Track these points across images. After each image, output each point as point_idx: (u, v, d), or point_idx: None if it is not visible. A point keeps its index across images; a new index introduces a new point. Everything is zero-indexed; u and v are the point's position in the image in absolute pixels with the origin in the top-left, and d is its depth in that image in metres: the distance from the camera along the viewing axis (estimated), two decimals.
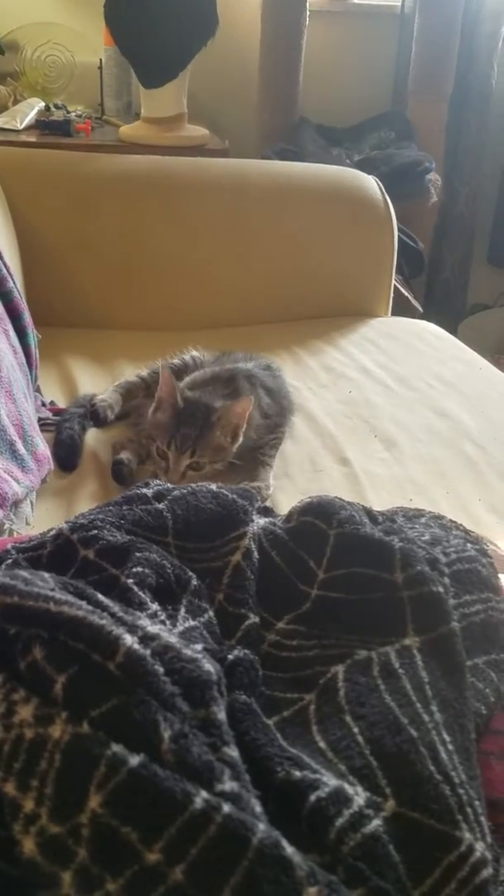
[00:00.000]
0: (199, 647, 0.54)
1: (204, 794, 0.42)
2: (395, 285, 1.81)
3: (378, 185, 1.76)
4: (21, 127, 2.14)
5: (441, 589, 0.61)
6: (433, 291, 2.74)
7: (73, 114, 2.28)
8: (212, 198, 1.68)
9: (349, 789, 0.48)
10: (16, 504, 0.94)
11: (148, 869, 0.40)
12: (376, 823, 0.46)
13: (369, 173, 1.81)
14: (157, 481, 0.77)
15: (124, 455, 1.14)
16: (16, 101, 2.31)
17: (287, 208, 1.70)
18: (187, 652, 0.51)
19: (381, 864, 0.45)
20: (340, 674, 0.57)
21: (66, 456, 1.16)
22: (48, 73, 2.42)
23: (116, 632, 0.48)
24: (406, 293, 2.12)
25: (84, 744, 0.44)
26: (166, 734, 0.45)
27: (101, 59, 2.37)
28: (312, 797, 0.46)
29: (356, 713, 0.53)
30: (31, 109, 2.22)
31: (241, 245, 1.68)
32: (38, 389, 1.29)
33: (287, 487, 1.13)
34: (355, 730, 0.52)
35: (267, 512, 0.77)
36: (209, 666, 0.50)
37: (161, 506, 0.70)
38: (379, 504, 0.92)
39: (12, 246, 1.46)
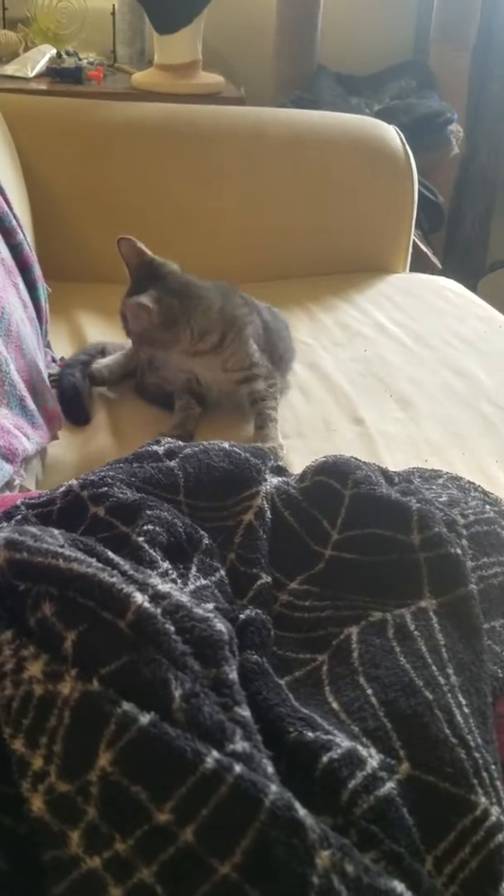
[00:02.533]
0: (210, 606, 0.53)
1: (215, 753, 0.41)
2: (413, 240, 1.77)
3: (399, 135, 1.71)
4: (32, 75, 2.10)
5: (459, 551, 0.59)
6: (453, 247, 2.68)
7: (85, 61, 2.23)
8: (226, 147, 1.64)
9: (362, 751, 0.47)
10: (26, 460, 0.93)
11: (158, 829, 0.40)
12: (390, 786, 0.46)
13: (390, 123, 1.76)
14: (168, 439, 0.76)
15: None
16: (27, 48, 2.26)
17: (304, 158, 1.66)
18: (199, 611, 0.50)
19: (395, 828, 0.44)
20: (354, 635, 0.56)
21: (72, 408, 1.14)
22: (60, 20, 2.36)
23: (127, 590, 0.48)
24: (425, 249, 2.08)
25: (94, 701, 0.43)
26: (177, 693, 0.44)
27: (113, 5, 2.30)
28: (325, 758, 0.46)
29: (370, 674, 0.53)
30: (42, 57, 2.17)
31: (256, 196, 1.64)
32: (48, 345, 1.28)
33: (300, 447, 1.12)
34: (369, 691, 0.52)
35: (280, 471, 0.76)
36: (221, 625, 0.50)
37: (172, 463, 0.69)
38: (394, 465, 0.90)
39: (22, 197, 1.43)
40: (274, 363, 1.20)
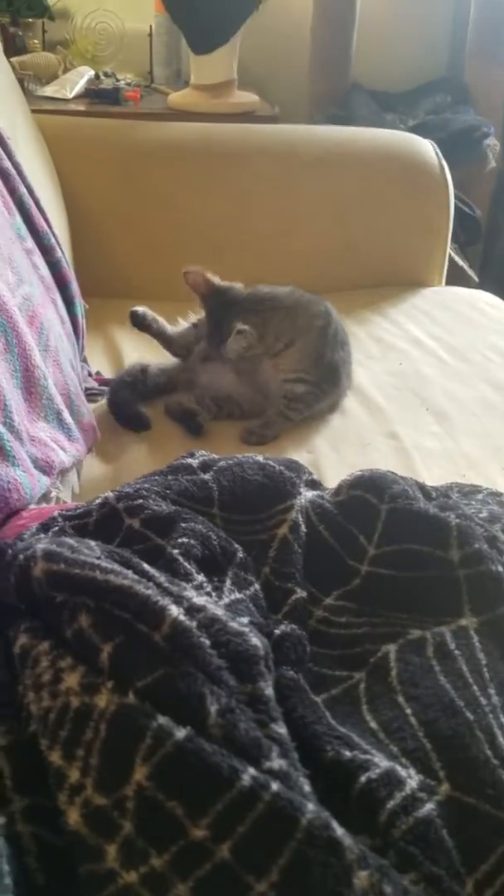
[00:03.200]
0: (245, 620, 0.53)
1: (252, 770, 0.41)
2: (449, 254, 1.76)
3: (434, 149, 1.70)
4: (71, 96, 2.13)
5: (500, 568, 0.58)
6: (490, 261, 2.66)
7: (123, 82, 2.27)
8: (261, 164, 1.64)
9: (401, 771, 0.46)
10: (62, 472, 0.94)
11: (194, 845, 0.39)
12: (429, 807, 0.45)
13: (425, 138, 1.75)
14: (203, 452, 0.76)
15: (192, 404, 1.14)
16: (66, 70, 2.30)
17: (338, 174, 1.66)
18: (234, 625, 0.49)
19: (434, 850, 0.43)
20: (392, 653, 0.55)
21: (131, 418, 1.15)
22: (98, 41, 2.40)
23: (162, 602, 0.48)
24: (461, 262, 2.06)
25: (130, 714, 0.43)
26: (213, 708, 0.43)
27: (150, 27, 2.34)
28: (363, 778, 0.45)
29: (409, 694, 0.52)
30: (80, 78, 2.21)
31: (291, 212, 1.64)
32: (84, 360, 1.29)
33: (334, 461, 1.11)
34: (408, 711, 0.51)
35: (315, 485, 0.75)
36: (256, 640, 0.49)
37: (207, 476, 0.69)
38: (431, 480, 0.89)
39: (61, 215, 1.45)
40: (332, 381, 1.20)
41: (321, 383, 1.18)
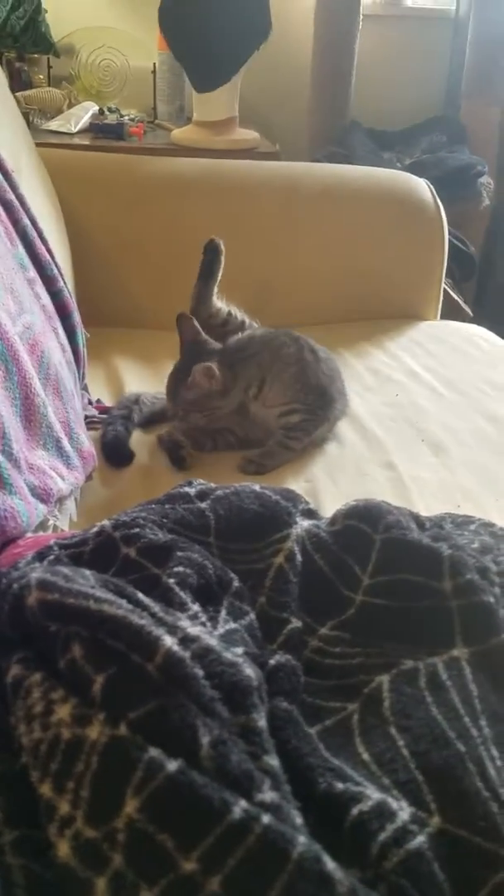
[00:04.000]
0: (239, 650, 0.52)
1: (243, 803, 0.40)
2: (444, 289, 1.78)
3: (429, 188, 1.73)
4: (75, 130, 2.16)
5: (492, 599, 0.58)
6: (484, 295, 2.69)
7: (127, 117, 2.30)
8: (261, 200, 1.67)
9: (393, 803, 0.46)
10: (60, 500, 0.94)
11: (184, 878, 0.39)
12: (420, 840, 0.44)
13: (421, 176, 1.78)
14: (200, 480, 0.76)
15: (180, 437, 1.15)
16: (70, 105, 2.34)
17: (336, 210, 1.68)
18: (228, 655, 0.49)
19: (425, 883, 0.43)
20: (385, 684, 0.55)
21: (116, 456, 1.16)
22: (103, 77, 2.44)
23: (156, 632, 0.47)
24: (456, 297, 2.08)
25: (121, 747, 0.43)
26: (205, 740, 0.43)
27: (154, 64, 2.38)
28: (355, 810, 0.45)
29: (401, 725, 0.51)
30: (85, 113, 2.24)
31: (290, 247, 1.66)
32: (85, 388, 1.30)
33: (330, 491, 1.11)
34: (400, 742, 0.50)
35: (311, 514, 0.75)
36: (250, 670, 0.49)
37: (203, 505, 0.69)
38: (426, 510, 0.89)
39: (64, 246, 1.47)
40: (324, 403, 1.20)
41: (315, 409, 1.18)
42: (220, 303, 1.28)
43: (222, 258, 1.25)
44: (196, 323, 1.20)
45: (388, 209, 1.71)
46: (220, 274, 1.26)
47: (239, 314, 1.29)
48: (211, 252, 1.25)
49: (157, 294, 1.61)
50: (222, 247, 1.25)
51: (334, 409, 1.23)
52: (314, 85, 2.43)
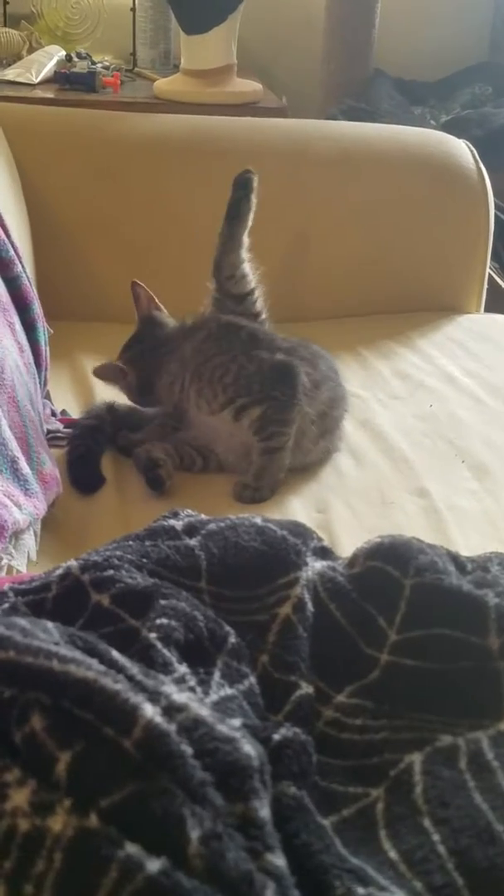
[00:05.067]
0: (236, 722, 0.53)
1: None
2: (489, 274, 1.79)
3: (471, 150, 1.75)
4: (36, 80, 2.19)
5: None
6: None
7: (100, 65, 2.33)
8: (265, 167, 1.66)
9: None
10: (16, 535, 0.94)
11: None
12: None
13: (460, 137, 1.80)
14: (188, 511, 0.77)
15: (158, 454, 1.15)
16: (31, 50, 2.36)
17: (356, 179, 1.70)
18: (222, 728, 0.49)
19: None
20: (417, 764, 0.55)
21: (84, 478, 1.16)
22: (70, 16, 2.47)
23: (134, 700, 0.48)
24: (503, 284, 2.10)
25: (91, 841, 0.43)
26: (194, 834, 0.43)
27: (133, 0, 2.40)
28: None
29: (437, 816, 0.51)
30: (48, 59, 2.27)
31: (299, 224, 1.67)
32: (47, 396, 1.30)
33: (349, 523, 1.11)
34: (436, 837, 0.50)
35: (325, 553, 0.76)
36: (249, 748, 0.49)
37: (193, 542, 0.69)
38: (467, 548, 0.89)
39: (22, 223, 1.48)
40: (274, 377, 1.17)
41: (270, 392, 1.15)
42: (249, 269, 1.27)
43: (254, 198, 1.24)
44: (148, 293, 1.27)
45: (420, 177, 1.72)
46: (249, 219, 1.25)
47: (260, 301, 1.28)
48: (241, 188, 1.24)
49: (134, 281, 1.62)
50: (255, 182, 1.24)
51: (297, 388, 1.16)
52: (329, 25, 2.46)
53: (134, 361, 1.26)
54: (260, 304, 1.28)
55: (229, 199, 1.25)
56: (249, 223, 1.25)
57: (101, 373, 1.28)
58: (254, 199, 1.24)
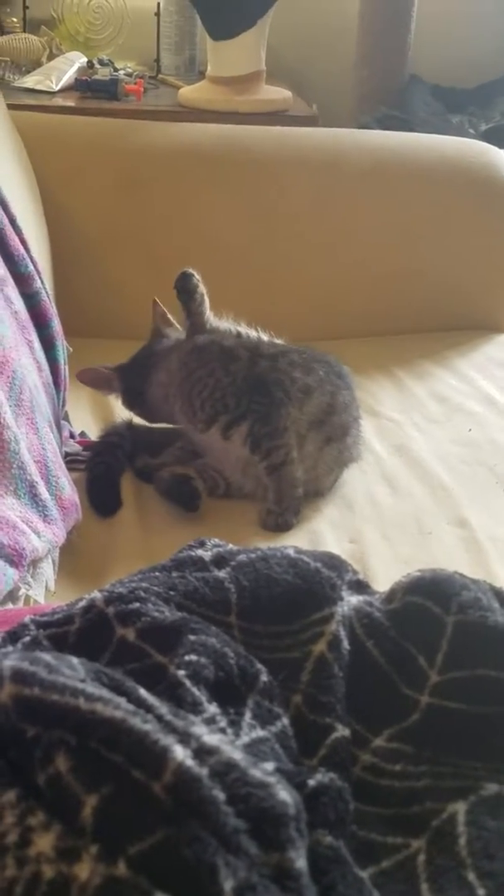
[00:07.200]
0: (270, 766, 0.53)
1: None
2: None
3: None
4: (57, 88, 2.21)
5: None
6: None
7: (122, 72, 2.35)
8: (294, 178, 1.69)
9: None
10: (34, 563, 0.95)
11: None
12: None
13: (501, 146, 1.80)
14: (216, 540, 0.77)
15: (186, 471, 1.18)
16: (51, 56, 2.39)
17: (391, 192, 1.71)
18: (256, 773, 0.49)
19: None
20: (461, 814, 0.55)
21: (102, 498, 1.17)
22: (92, 21, 2.50)
23: (164, 742, 0.48)
24: None
25: (119, 890, 0.43)
26: (227, 885, 0.43)
27: (158, 4, 2.44)
28: None
29: (482, 869, 0.51)
30: (69, 66, 2.29)
31: (330, 237, 1.68)
32: (65, 417, 1.31)
33: (383, 555, 1.11)
34: (481, 892, 0.50)
35: (361, 587, 0.75)
36: (285, 794, 0.49)
37: (222, 574, 0.69)
38: None
39: (42, 236, 1.49)
40: (256, 387, 1.18)
41: (250, 404, 1.17)
42: (222, 324, 1.31)
43: (198, 292, 1.27)
44: (162, 309, 1.32)
45: (460, 188, 1.73)
46: (205, 307, 1.29)
47: (252, 333, 1.31)
48: (184, 293, 1.28)
49: (158, 296, 1.63)
50: (195, 280, 1.27)
51: (281, 396, 1.17)
52: (363, 30, 2.48)
53: (122, 368, 1.30)
54: (252, 335, 1.31)
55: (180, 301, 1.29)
56: (207, 309, 1.29)
57: (85, 377, 1.31)
58: (199, 292, 1.28)
